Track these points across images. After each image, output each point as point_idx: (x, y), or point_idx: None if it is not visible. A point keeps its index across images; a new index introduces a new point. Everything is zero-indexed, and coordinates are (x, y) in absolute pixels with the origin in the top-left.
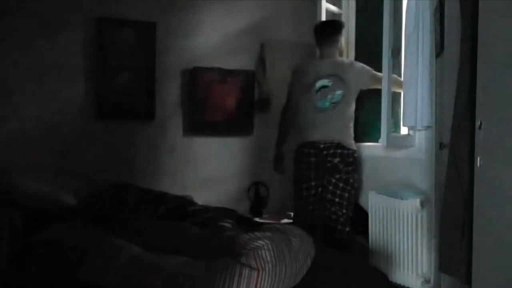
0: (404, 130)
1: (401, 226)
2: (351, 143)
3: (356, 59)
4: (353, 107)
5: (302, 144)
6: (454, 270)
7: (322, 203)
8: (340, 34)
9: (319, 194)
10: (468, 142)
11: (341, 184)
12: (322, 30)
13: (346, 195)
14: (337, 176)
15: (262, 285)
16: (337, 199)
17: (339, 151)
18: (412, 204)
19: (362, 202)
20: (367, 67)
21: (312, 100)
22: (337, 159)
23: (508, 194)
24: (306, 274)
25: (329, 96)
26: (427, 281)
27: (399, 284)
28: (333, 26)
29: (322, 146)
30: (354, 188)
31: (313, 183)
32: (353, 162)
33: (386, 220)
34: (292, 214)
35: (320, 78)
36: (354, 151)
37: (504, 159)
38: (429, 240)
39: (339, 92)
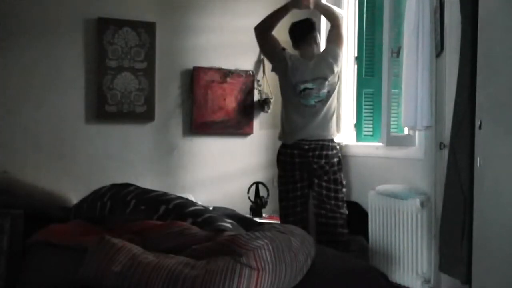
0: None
1: (401, 226)
2: (335, 140)
3: (356, 58)
4: (335, 100)
5: (284, 144)
6: (454, 270)
7: (316, 204)
8: (316, 31)
9: (306, 195)
10: (468, 142)
11: (332, 186)
12: (298, 31)
13: (340, 195)
14: (325, 178)
15: (262, 285)
16: (332, 201)
17: (324, 152)
18: (412, 204)
19: (362, 202)
20: (334, 48)
21: (295, 101)
22: (323, 161)
23: (508, 194)
24: (306, 274)
25: (314, 94)
26: (427, 281)
27: (399, 284)
28: (308, 24)
29: (306, 147)
30: (343, 186)
31: (299, 185)
32: (339, 161)
33: (386, 220)
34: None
35: (303, 82)
36: (338, 150)
37: (504, 159)
38: (429, 240)
39: (324, 91)
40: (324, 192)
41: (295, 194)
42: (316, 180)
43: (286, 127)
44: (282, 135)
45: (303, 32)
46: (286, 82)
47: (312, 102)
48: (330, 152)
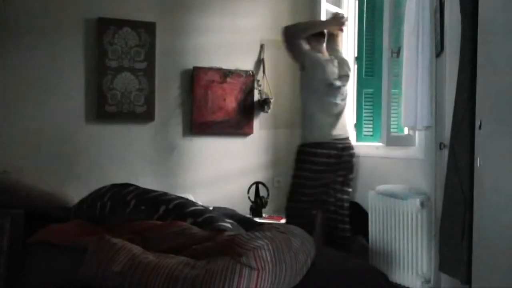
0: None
1: (401, 226)
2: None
3: (356, 58)
4: None
5: (317, 144)
6: (454, 270)
7: (333, 210)
8: None
9: (322, 198)
10: (468, 142)
11: (350, 190)
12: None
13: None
14: (350, 176)
15: (262, 285)
16: (346, 204)
17: (351, 151)
18: (412, 204)
19: (362, 202)
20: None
21: (324, 99)
22: (354, 159)
23: (508, 194)
24: (306, 274)
25: (341, 92)
26: (427, 281)
27: (399, 284)
28: None
29: (340, 146)
30: None
31: (320, 188)
32: None
33: (386, 220)
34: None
35: (335, 79)
36: None
37: (504, 159)
38: (429, 240)
39: (346, 88)
40: (345, 196)
41: (312, 198)
42: (340, 179)
43: (315, 126)
44: (309, 134)
45: (322, 32)
46: (318, 80)
47: (338, 100)
48: (352, 151)
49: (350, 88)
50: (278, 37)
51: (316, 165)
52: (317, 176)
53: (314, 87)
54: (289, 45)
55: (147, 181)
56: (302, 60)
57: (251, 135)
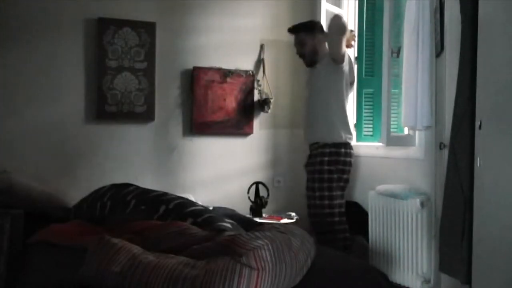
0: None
1: (401, 226)
2: None
3: (356, 58)
4: None
5: (344, 143)
6: (454, 270)
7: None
8: None
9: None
10: (468, 142)
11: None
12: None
13: None
14: None
15: (262, 285)
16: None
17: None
18: (412, 204)
19: (362, 202)
20: None
21: (348, 97)
22: None
23: (508, 194)
24: (306, 274)
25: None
26: (427, 281)
27: (399, 284)
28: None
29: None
30: None
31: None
32: None
33: (386, 220)
34: (296, 216)
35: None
36: None
37: (504, 159)
38: (429, 240)
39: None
40: (344, 194)
41: (340, 202)
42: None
43: (346, 124)
44: (340, 133)
45: None
46: (347, 80)
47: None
48: None
49: None
50: (279, 37)
51: (347, 166)
52: (342, 178)
53: (346, 84)
54: (338, 34)
55: (147, 181)
56: (342, 54)
57: (251, 135)
